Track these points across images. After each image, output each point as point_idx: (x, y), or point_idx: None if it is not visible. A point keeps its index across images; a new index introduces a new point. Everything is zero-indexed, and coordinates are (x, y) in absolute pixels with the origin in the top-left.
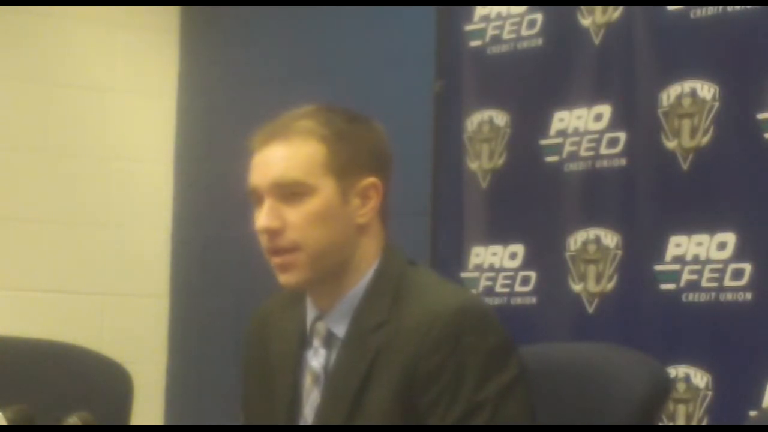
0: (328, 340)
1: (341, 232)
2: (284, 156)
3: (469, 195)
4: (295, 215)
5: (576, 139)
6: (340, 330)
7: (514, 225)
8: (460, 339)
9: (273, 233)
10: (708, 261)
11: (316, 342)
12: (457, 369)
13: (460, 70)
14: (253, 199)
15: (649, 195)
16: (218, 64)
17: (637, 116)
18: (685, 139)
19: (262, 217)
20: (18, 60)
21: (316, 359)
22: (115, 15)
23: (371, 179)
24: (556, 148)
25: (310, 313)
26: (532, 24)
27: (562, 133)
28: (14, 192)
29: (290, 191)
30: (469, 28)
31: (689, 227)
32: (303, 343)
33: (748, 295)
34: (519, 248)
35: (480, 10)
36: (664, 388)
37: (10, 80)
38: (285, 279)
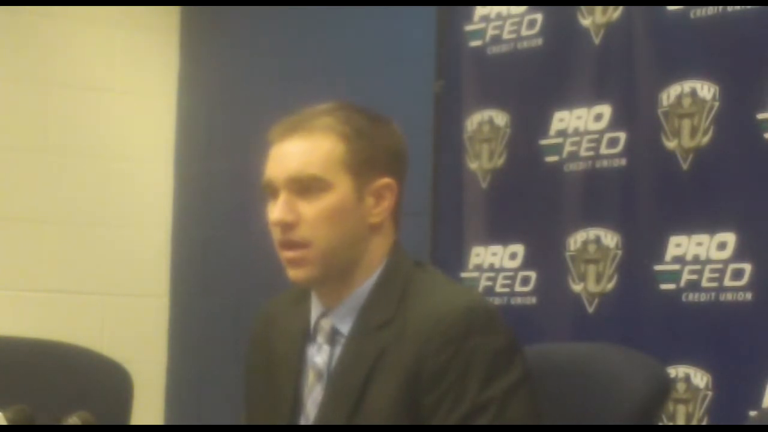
0: (332, 336)
1: (353, 230)
2: (303, 150)
3: (469, 195)
4: (310, 210)
5: (576, 139)
6: (345, 327)
7: (514, 225)
8: (466, 339)
9: (286, 227)
10: (708, 261)
11: (320, 338)
12: (462, 369)
13: (460, 70)
14: (268, 191)
15: (649, 195)
16: (218, 64)
17: (637, 116)
18: (685, 139)
19: (277, 210)
20: (18, 60)
21: (320, 356)
22: (115, 15)
23: (387, 180)
24: (556, 148)
25: (315, 309)
26: (532, 24)
27: (562, 133)
28: (14, 192)
29: (306, 186)
30: (469, 28)
31: (689, 227)
32: (306, 340)
33: (748, 295)
34: (519, 248)
35: (480, 10)
36: (664, 388)
37: (10, 80)
38: (294, 274)
